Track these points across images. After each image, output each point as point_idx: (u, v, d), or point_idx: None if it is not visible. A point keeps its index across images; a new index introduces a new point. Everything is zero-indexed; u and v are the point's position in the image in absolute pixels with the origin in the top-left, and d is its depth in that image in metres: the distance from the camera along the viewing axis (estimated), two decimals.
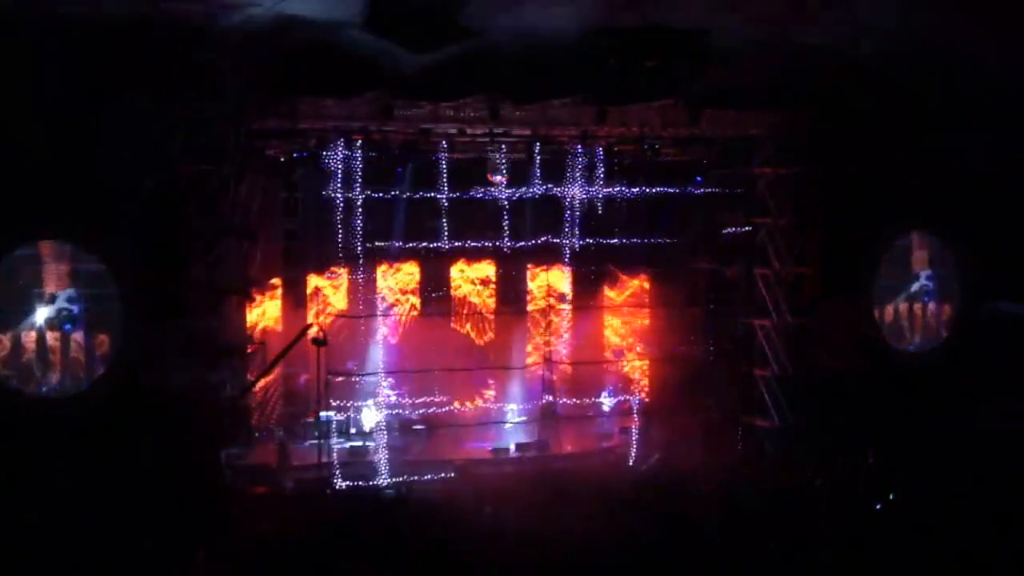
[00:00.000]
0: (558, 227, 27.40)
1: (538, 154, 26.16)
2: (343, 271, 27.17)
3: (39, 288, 22.73)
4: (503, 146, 26.12)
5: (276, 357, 25.41)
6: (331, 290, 27.32)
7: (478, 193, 26.70)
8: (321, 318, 25.98)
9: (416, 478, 24.56)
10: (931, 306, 29.77)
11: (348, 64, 24.00)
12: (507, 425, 27.06)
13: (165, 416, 21.50)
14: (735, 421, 27.46)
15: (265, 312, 26.87)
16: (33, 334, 22.68)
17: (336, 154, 24.76)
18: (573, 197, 26.99)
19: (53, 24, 21.23)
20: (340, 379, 26.29)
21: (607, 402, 28.43)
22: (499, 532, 21.14)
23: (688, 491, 23.66)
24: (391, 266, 27.92)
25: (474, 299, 29.14)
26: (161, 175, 22.36)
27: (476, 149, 26.18)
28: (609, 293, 30.08)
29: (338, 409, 26.82)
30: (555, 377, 27.62)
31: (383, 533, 20.78)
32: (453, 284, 28.75)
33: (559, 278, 28.91)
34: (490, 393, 28.15)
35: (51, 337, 22.75)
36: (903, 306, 29.50)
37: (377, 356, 26.88)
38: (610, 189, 27.25)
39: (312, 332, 24.07)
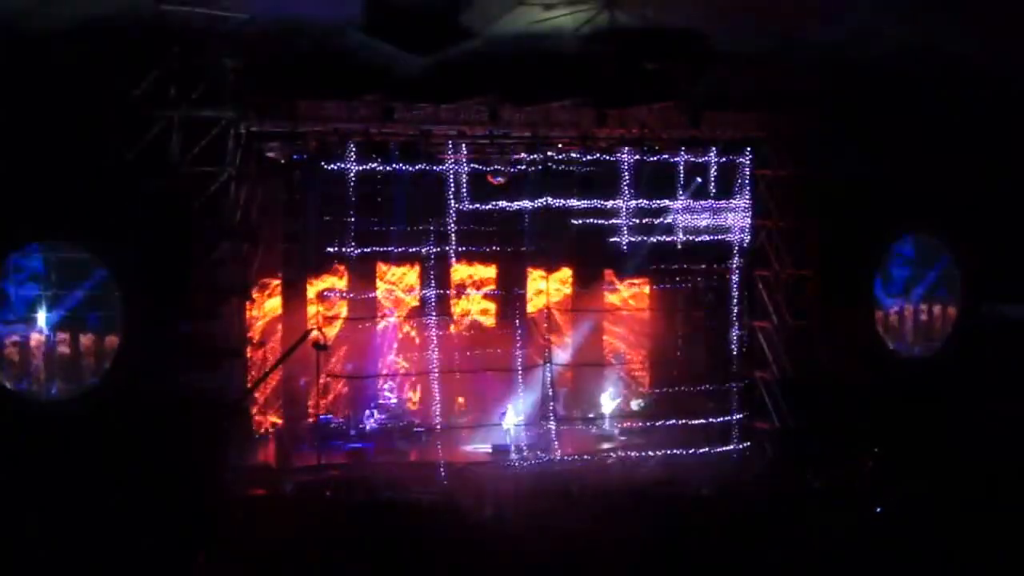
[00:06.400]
0: (558, 229, 27.41)
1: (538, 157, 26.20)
2: (343, 273, 27.16)
3: (40, 290, 22.77)
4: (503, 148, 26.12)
5: (276, 361, 25.40)
6: (331, 292, 27.27)
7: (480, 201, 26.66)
8: (321, 321, 25.88)
9: (415, 480, 24.53)
10: (932, 308, 29.80)
11: (348, 66, 24.03)
12: (506, 427, 27.01)
13: (165, 418, 21.53)
14: (735, 423, 27.42)
15: (265, 314, 26.85)
16: (34, 336, 22.73)
17: (336, 156, 24.76)
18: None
19: (54, 25, 21.28)
20: (339, 381, 26.20)
21: (607, 404, 28.38)
22: (498, 534, 21.15)
23: (688, 493, 23.66)
24: (391, 267, 27.94)
25: (474, 301, 29.15)
26: (162, 177, 22.41)
27: (476, 151, 26.15)
28: (610, 297, 30.08)
29: (338, 412, 26.87)
30: (555, 379, 27.54)
31: (382, 535, 20.78)
32: (453, 286, 28.68)
33: (559, 279, 28.95)
34: (489, 395, 28.09)
35: (53, 339, 22.80)
36: (904, 308, 29.51)
37: (376, 358, 26.75)
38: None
39: (313, 336, 24.06)
